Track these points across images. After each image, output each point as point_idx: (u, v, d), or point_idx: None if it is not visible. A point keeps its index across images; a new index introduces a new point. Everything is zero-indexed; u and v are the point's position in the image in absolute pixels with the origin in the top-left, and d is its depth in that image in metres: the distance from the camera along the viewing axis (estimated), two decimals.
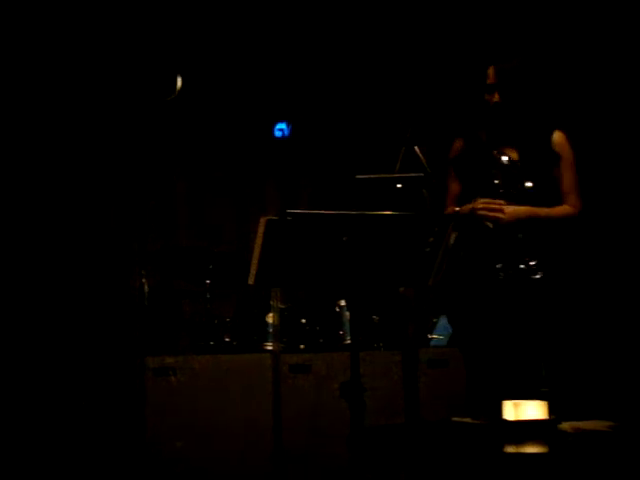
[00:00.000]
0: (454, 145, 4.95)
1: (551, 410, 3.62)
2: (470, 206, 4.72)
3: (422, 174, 3.84)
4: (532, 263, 4.75)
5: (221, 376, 5.13)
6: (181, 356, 5.20)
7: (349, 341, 5.11)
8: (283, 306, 5.28)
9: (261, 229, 3.74)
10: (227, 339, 5.33)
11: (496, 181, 4.79)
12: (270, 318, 5.23)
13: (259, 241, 3.74)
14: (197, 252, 5.61)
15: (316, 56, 6.45)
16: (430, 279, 3.85)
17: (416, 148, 3.86)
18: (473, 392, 4.73)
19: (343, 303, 5.24)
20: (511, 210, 4.68)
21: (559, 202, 4.81)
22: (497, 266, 4.75)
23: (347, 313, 5.18)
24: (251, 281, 3.76)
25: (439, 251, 3.78)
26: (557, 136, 4.86)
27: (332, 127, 6.42)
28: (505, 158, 4.82)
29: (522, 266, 4.73)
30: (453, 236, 4.45)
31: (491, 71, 4.74)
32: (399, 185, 3.84)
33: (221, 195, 6.48)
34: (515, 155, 4.84)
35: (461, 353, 4.90)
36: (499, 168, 4.81)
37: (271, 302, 5.10)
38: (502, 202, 4.69)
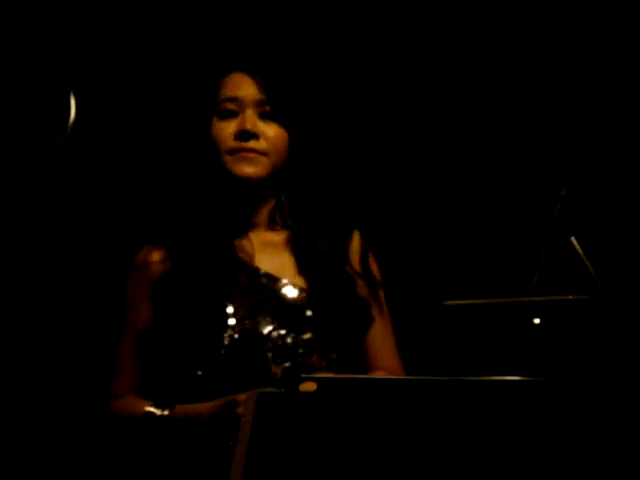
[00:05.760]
0: (144, 257, 2.38)
1: None
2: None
3: (586, 295, 1.80)
4: None
5: None
6: None
7: None
8: None
9: (248, 413, 1.79)
10: None
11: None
12: None
13: (244, 440, 1.78)
14: None
15: None
16: None
17: (573, 240, 1.80)
18: None
19: None
20: None
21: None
22: None
23: None
24: None
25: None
26: (356, 242, 2.43)
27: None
28: (279, 287, 2.35)
29: None
30: None
31: (249, 86, 2.33)
32: (537, 320, 1.82)
33: None
34: (301, 283, 2.35)
35: None
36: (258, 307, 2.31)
37: None
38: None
